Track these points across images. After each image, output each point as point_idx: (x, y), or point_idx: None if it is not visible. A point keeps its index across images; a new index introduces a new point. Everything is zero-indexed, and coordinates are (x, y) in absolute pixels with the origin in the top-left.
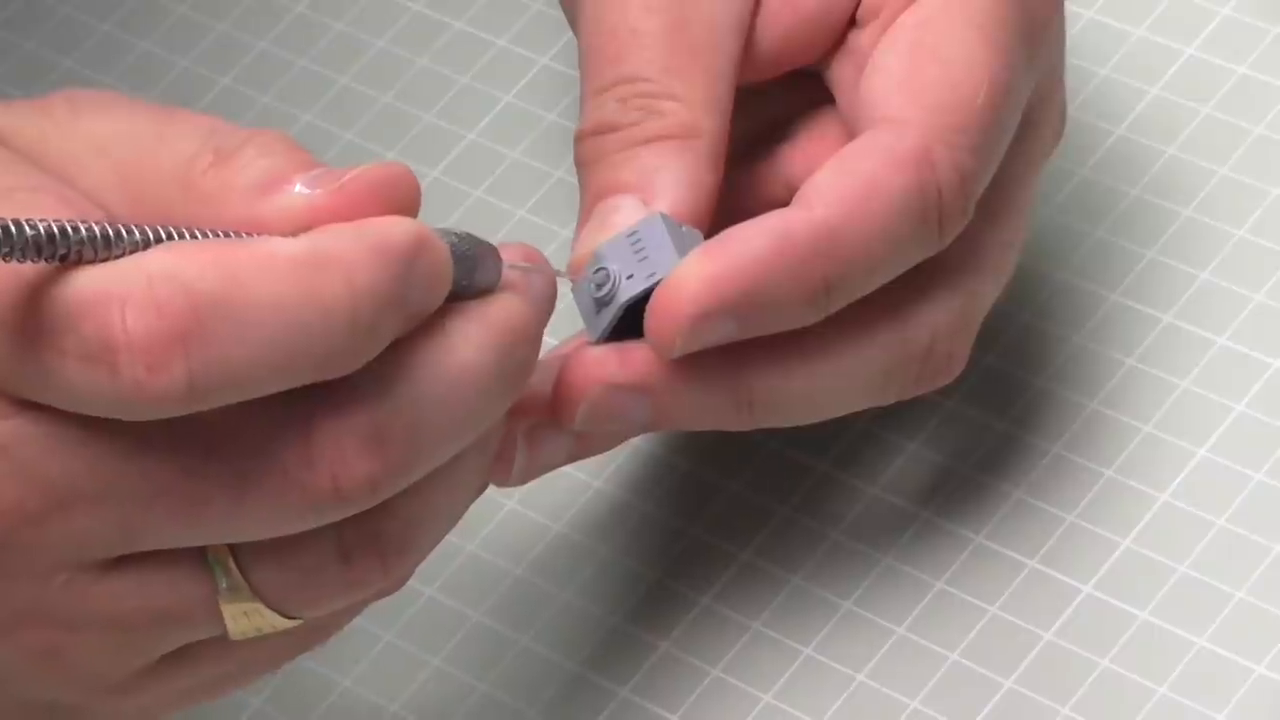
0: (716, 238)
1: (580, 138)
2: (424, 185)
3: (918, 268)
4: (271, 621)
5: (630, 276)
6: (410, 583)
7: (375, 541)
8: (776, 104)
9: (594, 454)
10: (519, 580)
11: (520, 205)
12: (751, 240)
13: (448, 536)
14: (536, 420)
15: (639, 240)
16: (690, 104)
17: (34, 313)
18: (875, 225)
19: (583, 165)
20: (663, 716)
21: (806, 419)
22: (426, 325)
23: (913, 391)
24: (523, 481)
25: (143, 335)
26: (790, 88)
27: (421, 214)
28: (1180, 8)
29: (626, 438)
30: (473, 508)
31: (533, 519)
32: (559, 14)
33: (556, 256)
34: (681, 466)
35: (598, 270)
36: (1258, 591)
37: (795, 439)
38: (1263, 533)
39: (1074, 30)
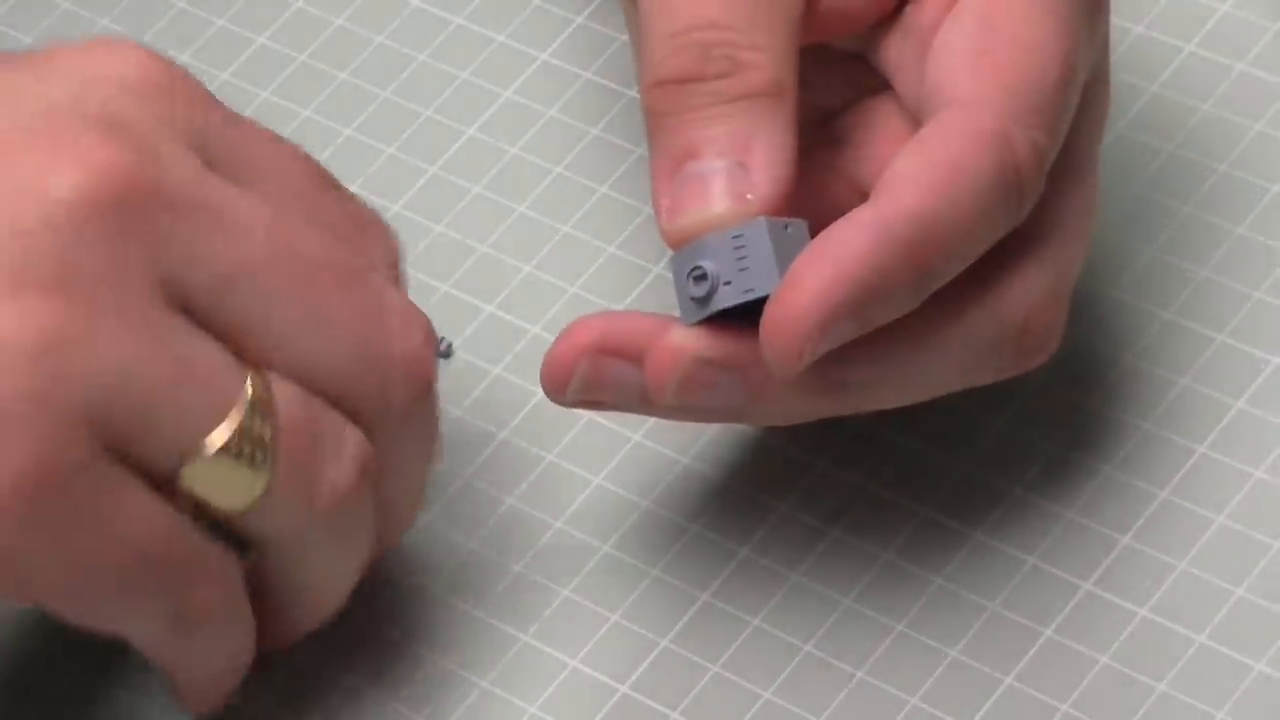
0: (816, 241)
1: (657, 84)
2: (422, 181)
3: (1001, 242)
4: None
5: (729, 283)
6: (413, 579)
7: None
8: (823, 93)
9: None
10: (518, 577)
11: (519, 201)
12: (853, 240)
13: (447, 534)
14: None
15: (742, 245)
16: (775, 58)
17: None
18: (964, 209)
19: (661, 114)
20: (663, 713)
21: (903, 401)
22: None
23: (1012, 369)
24: (573, 403)
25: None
26: (836, 75)
27: (420, 211)
28: (1180, 5)
29: (717, 421)
30: (472, 504)
31: (532, 515)
32: (559, 10)
33: (557, 253)
34: (681, 463)
35: (695, 266)
36: (1258, 588)
37: (795, 436)
38: (1263, 530)
39: None
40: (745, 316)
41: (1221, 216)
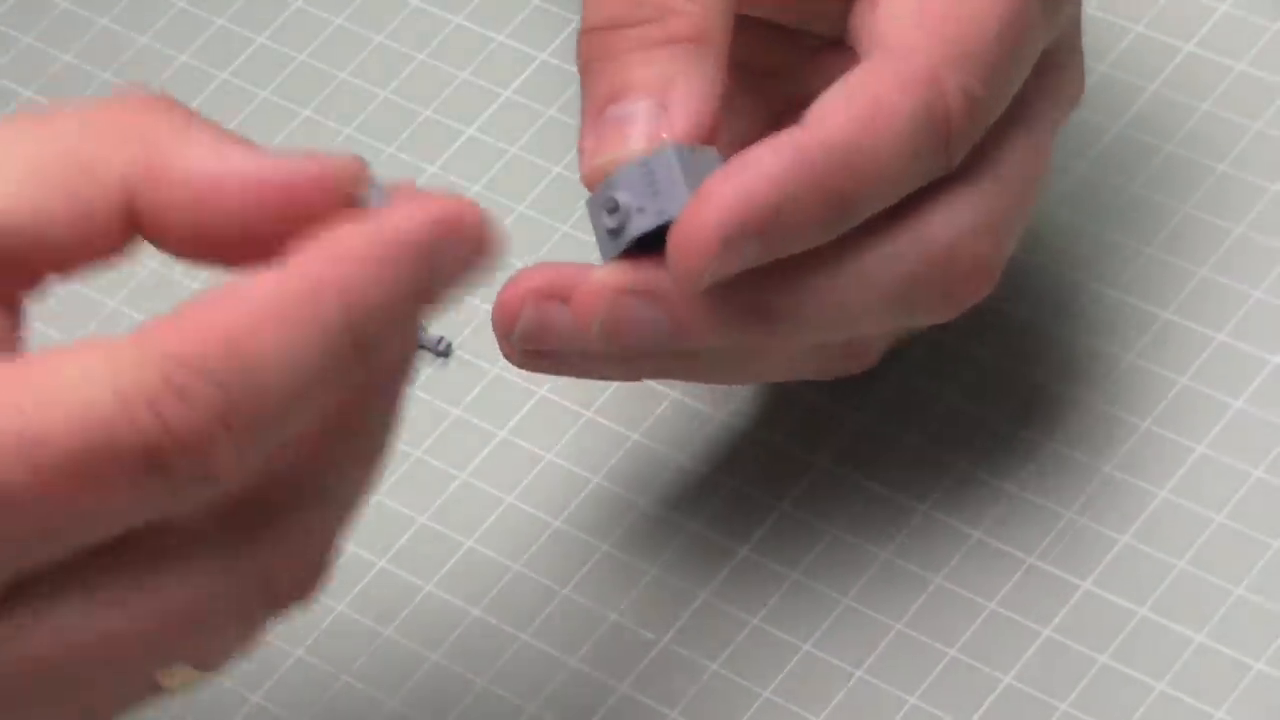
0: (730, 162)
1: (586, 32)
2: (422, 180)
3: (933, 184)
4: (200, 675)
5: (641, 210)
6: (409, 578)
7: (299, 585)
8: (797, 84)
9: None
10: (517, 576)
11: (519, 201)
12: (766, 160)
13: (446, 532)
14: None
15: (651, 172)
16: (704, 8)
17: (57, 466)
18: (884, 142)
19: (589, 61)
20: (662, 712)
21: (834, 332)
22: None
23: (943, 306)
24: (520, 361)
25: (187, 431)
26: (811, 67)
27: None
28: (1179, 4)
29: (659, 374)
30: (469, 504)
31: (530, 514)
32: (559, 9)
33: (556, 253)
34: (679, 462)
35: (608, 199)
36: (1256, 588)
37: (794, 434)
38: (1261, 529)
39: None
40: (664, 247)
41: (1221, 216)
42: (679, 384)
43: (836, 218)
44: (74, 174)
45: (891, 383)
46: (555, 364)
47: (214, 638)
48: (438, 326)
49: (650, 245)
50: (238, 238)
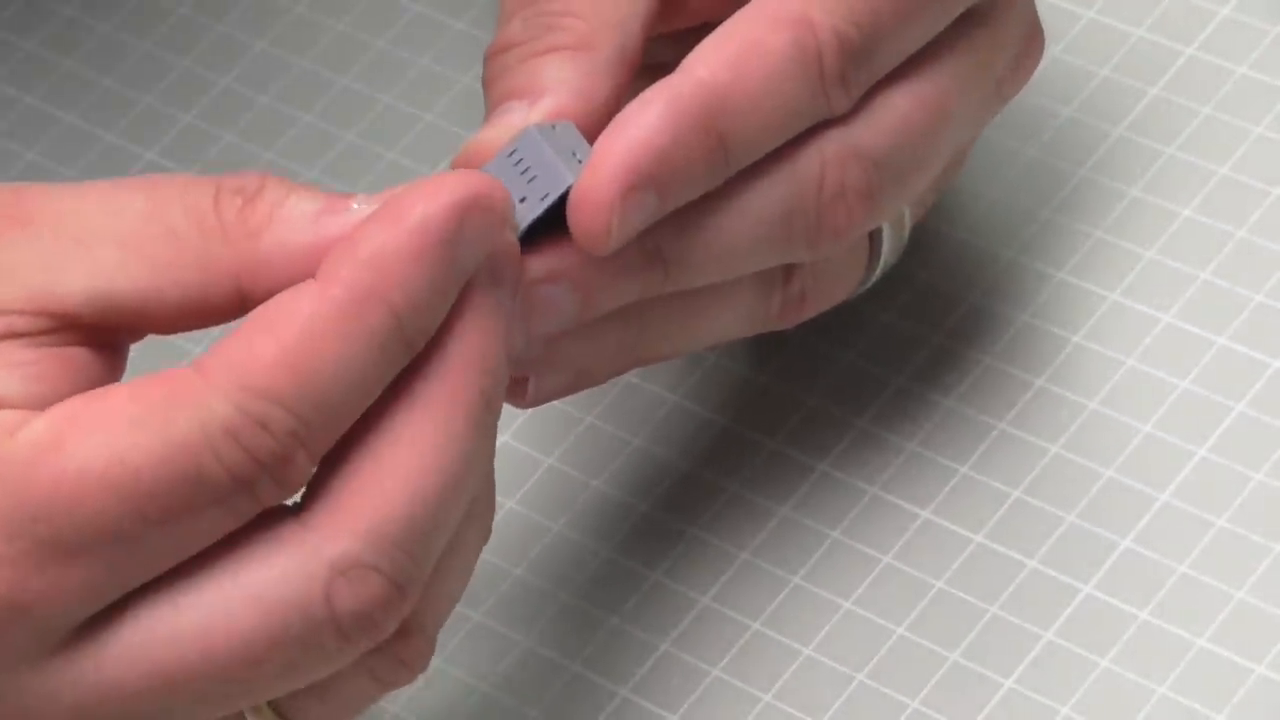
0: (614, 121)
1: (487, 58)
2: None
3: (816, 125)
4: None
5: (524, 200)
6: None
7: (402, 661)
8: None
9: (590, 382)
10: (519, 580)
11: None
12: (645, 111)
13: None
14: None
15: (520, 158)
16: (591, 21)
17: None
18: (756, 81)
19: (487, 83)
20: (662, 716)
21: (725, 272)
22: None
23: (817, 236)
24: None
25: (269, 454)
26: None
27: None
28: (1180, 8)
29: (569, 346)
30: None
31: (532, 519)
32: None
33: None
34: (681, 466)
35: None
36: (1258, 591)
37: (795, 439)
38: (1263, 533)
39: (1074, 30)
40: (554, 225)
41: (1222, 220)
42: (679, 387)
43: (721, 160)
44: (191, 269)
45: (892, 386)
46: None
47: (294, 676)
48: None
49: (543, 227)
50: None
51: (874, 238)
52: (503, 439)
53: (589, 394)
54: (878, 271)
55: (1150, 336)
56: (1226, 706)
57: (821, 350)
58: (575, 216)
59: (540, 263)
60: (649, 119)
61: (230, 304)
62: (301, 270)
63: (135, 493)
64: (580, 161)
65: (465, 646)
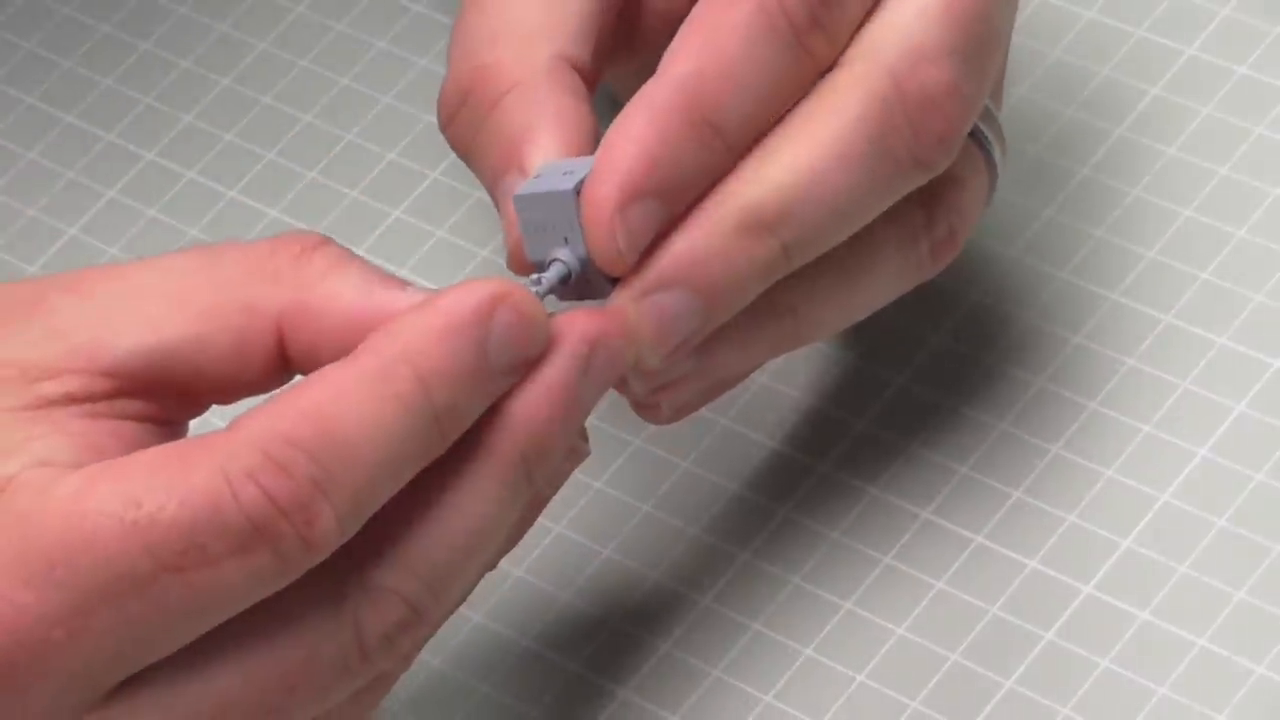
0: (605, 137)
1: (443, 129)
2: (423, 186)
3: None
4: None
5: (566, 240)
6: None
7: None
8: None
9: (730, 385)
10: (519, 581)
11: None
12: (628, 123)
13: None
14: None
15: (543, 216)
16: (514, 52)
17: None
18: (731, 61)
19: (460, 153)
20: (663, 716)
21: (847, 225)
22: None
23: (926, 153)
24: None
25: (289, 498)
26: None
27: (422, 216)
28: (1180, 8)
29: (724, 354)
30: None
31: None
32: None
33: None
34: (681, 467)
35: (542, 265)
36: (1258, 592)
37: (796, 439)
38: (1263, 533)
39: (1073, 30)
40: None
41: (1223, 220)
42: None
43: (719, 145)
44: (235, 312)
45: (893, 387)
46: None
47: (322, 700)
48: None
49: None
50: None
51: (978, 142)
52: None
53: None
54: (999, 171)
55: (1151, 336)
56: (1226, 706)
57: (821, 351)
58: (590, 244)
59: (642, 281)
60: (633, 130)
61: (268, 348)
62: (342, 330)
63: (150, 535)
64: (571, 174)
65: (465, 646)
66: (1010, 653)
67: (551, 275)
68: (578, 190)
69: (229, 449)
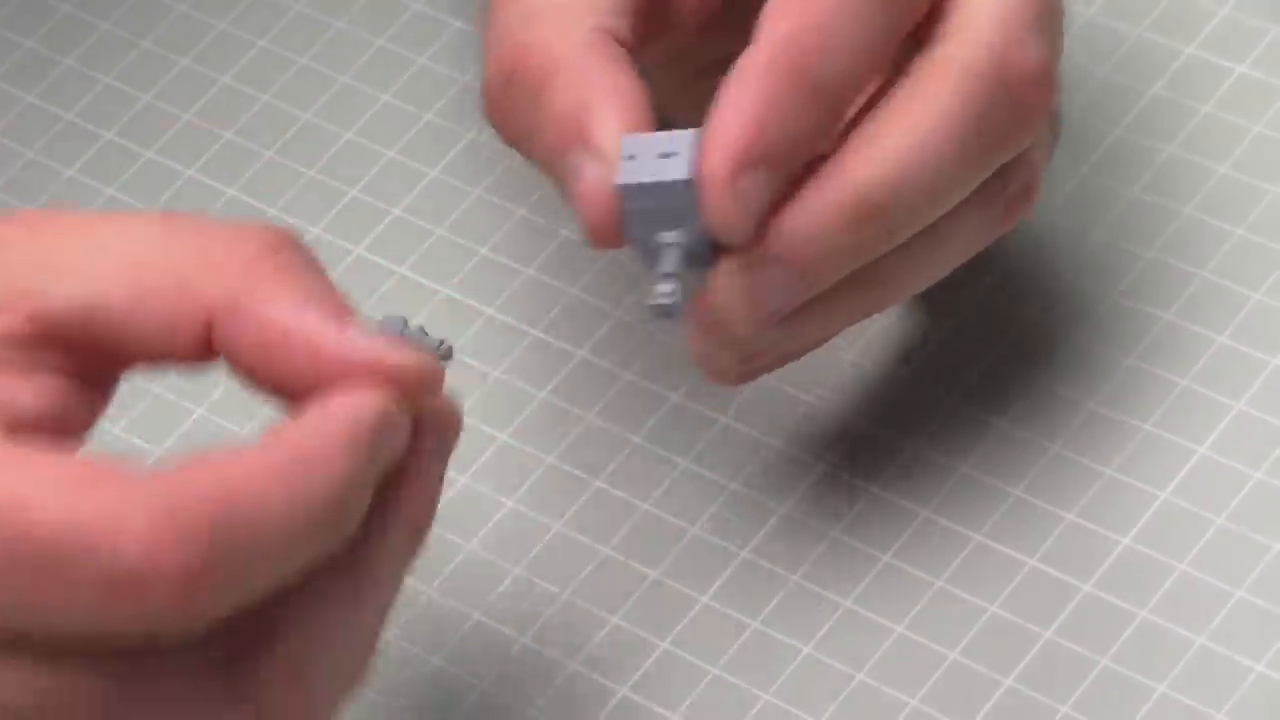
0: (713, 108)
1: (486, 116)
2: (424, 183)
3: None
4: None
5: (678, 226)
6: (410, 583)
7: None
8: None
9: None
10: (519, 579)
11: (521, 204)
12: (734, 91)
13: (447, 536)
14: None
15: (653, 203)
16: (554, 29)
17: (42, 542)
18: (830, 15)
19: (508, 141)
20: (663, 715)
21: (948, 200)
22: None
23: (1024, 129)
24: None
25: (173, 567)
26: None
27: (421, 215)
28: (1180, 8)
29: (806, 321)
30: (470, 507)
31: (533, 518)
32: None
33: (557, 256)
34: (681, 465)
35: (651, 253)
36: (1257, 590)
37: (796, 438)
38: (1262, 531)
39: (1074, 30)
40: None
41: (1222, 219)
42: (680, 387)
43: (824, 105)
44: (171, 288)
45: (892, 386)
46: (759, 360)
47: None
48: (438, 329)
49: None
50: (294, 386)
51: None
52: (502, 438)
53: (589, 392)
54: (1062, 118)
55: (1151, 336)
56: (1226, 705)
57: (821, 351)
58: (710, 220)
59: (737, 262)
60: (740, 98)
61: (196, 331)
62: (261, 343)
63: (15, 542)
64: (673, 155)
65: (465, 645)
66: (1010, 651)
67: (671, 260)
68: (692, 177)
69: (132, 499)
